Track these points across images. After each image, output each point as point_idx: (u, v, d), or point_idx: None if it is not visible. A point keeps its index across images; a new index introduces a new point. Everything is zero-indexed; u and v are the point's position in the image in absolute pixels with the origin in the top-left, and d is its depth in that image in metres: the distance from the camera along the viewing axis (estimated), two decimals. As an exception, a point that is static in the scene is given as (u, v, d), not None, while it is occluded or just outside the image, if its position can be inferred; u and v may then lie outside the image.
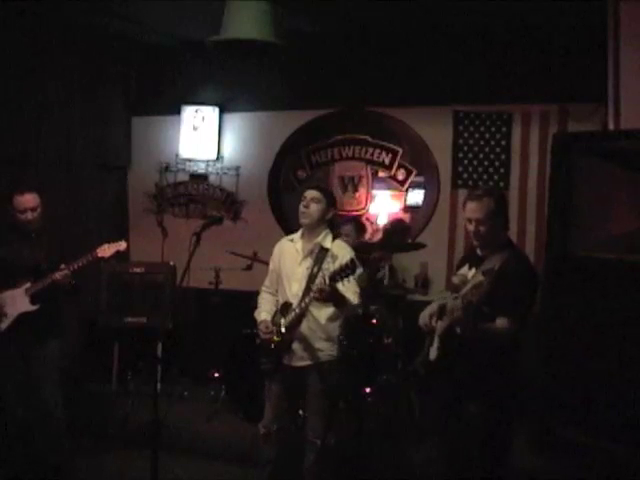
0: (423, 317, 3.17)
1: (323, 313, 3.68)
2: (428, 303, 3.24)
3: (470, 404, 3.10)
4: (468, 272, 3.14)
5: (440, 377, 3.17)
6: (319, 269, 3.63)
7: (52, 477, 4.08)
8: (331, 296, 3.45)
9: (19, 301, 3.99)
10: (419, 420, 4.74)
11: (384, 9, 5.08)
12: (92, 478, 4.35)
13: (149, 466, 3.46)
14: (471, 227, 3.13)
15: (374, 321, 4.91)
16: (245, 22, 4.57)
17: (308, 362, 3.68)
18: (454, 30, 5.44)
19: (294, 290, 3.70)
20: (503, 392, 3.09)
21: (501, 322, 2.99)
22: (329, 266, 3.59)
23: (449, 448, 3.36)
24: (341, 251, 3.70)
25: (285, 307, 3.70)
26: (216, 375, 5.49)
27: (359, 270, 3.54)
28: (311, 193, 3.72)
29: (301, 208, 3.72)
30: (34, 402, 4.06)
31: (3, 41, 5.17)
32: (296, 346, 3.66)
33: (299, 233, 3.82)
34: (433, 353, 3.08)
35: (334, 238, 3.77)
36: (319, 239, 3.72)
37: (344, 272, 3.35)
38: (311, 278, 3.64)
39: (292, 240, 3.83)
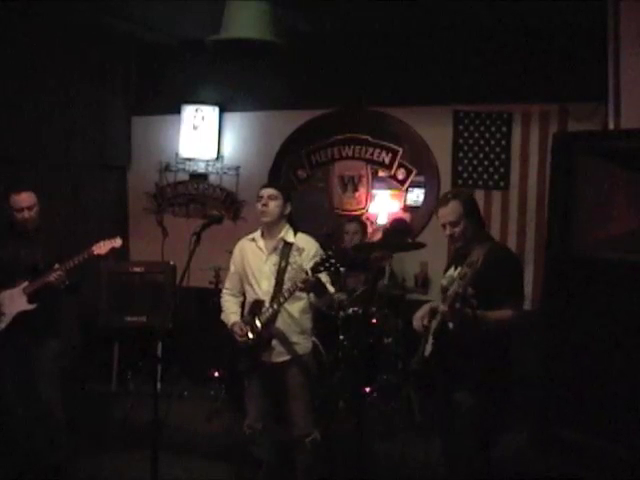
0: (415, 320, 3.33)
1: (295, 307, 3.72)
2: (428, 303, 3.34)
3: (459, 394, 3.20)
4: (454, 272, 3.22)
5: (434, 371, 3.26)
6: (287, 263, 3.69)
7: (52, 477, 4.08)
8: (315, 287, 3.52)
9: (17, 300, 3.99)
10: (419, 420, 4.74)
11: (384, 9, 5.08)
12: (92, 478, 4.35)
13: (149, 466, 3.46)
14: (447, 231, 3.28)
15: (374, 321, 4.92)
16: (245, 22, 4.57)
17: (287, 357, 3.72)
18: (454, 30, 5.44)
19: (264, 288, 3.72)
20: (492, 383, 3.17)
21: (504, 313, 3.11)
22: (296, 259, 3.68)
23: (442, 439, 3.48)
24: (307, 244, 3.76)
25: (256, 305, 3.71)
26: (216, 375, 5.49)
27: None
28: (267, 191, 3.75)
29: (259, 207, 3.75)
30: (34, 402, 4.06)
31: (3, 41, 5.17)
32: (274, 342, 3.69)
33: (258, 232, 3.84)
34: (428, 350, 3.19)
35: (295, 232, 3.81)
36: (282, 234, 3.76)
37: (327, 263, 3.42)
38: (280, 274, 3.69)
39: (253, 239, 3.85)
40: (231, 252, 3.98)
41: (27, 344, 4.03)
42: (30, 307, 3.99)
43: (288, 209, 3.79)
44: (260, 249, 3.79)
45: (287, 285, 3.60)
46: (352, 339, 4.74)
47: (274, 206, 3.72)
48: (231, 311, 3.86)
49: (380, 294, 5.01)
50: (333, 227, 5.82)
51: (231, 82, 6.27)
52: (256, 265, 3.78)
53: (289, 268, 3.67)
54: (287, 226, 3.79)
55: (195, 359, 5.75)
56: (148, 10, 5.34)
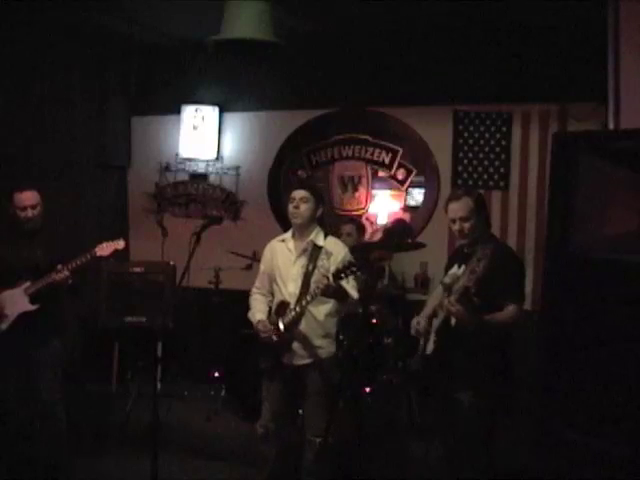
0: (412, 326, 3.38)
1: (321, 310, 3.71)
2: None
3: (460, 394, 3.23)
4: (458, 270, 3.22)
5: (435, 370, 3.30)
6: (314, 267, 3.68)
7: (52, 477, 4.08)
8: (336, 292, 3.51)
9: (19, 301, 3.98)
10: (419, 420, 4.74)
11: (384, 9, 5.08)
12: (92, 478, 4.34)
13: (149, 466, 3.46)
14: (456, 226, 3.31)
15: (374, 321, 4.92)
16: (245, 22, 4.57)
17: (308, 360, 3.71)
18: (454, 30, 5.44)
19: (290, 289, 3.72)
20: (493, 382, 3.21)
21: (510, 310, 3.17)
22: (324, 263, 3.67)
23: (442, 439, 3.52)
24: (335, 247, 3.76)
25: (282, 306, 3.71)
26: (216, 375, 5.50)
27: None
28: (299, 193, 3.75)
29: (291, 209, 3.75)
30: (34, 402, 4.05)
31: (3, 40, 5.17)
32: (296, 345, 3.68)
33: (289, 233, 3.85)
34: (430, 347, 3.22)
35: (326, 235, 3.80)
36: (311, 237, 3.75)
37: (349, 269, 3.40)
38: (307, 276, 3.68)
39: (283, 240, 3.86)
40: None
41: (28, 344, 4.02)
42: (32, 308, 3.97)
43: (320, 212, 3.79)
44: (289, 250, 3.79)
45: (312, 288, 3.59)
46: (352, 339, 4.73)
47: (305, 208, 3.71)
48: (257, 309, 3.85)
49: (380, 294, 5.01)
50: (331, 227, 5.81)
51: (231, 82, 6.27)
52: (284, 266, 3.78)
53: (316, 271, 3.66)
54: (318, 229, 3.79)
55: (195, 359, 5.75)
56: (148, 10, 5.34)
